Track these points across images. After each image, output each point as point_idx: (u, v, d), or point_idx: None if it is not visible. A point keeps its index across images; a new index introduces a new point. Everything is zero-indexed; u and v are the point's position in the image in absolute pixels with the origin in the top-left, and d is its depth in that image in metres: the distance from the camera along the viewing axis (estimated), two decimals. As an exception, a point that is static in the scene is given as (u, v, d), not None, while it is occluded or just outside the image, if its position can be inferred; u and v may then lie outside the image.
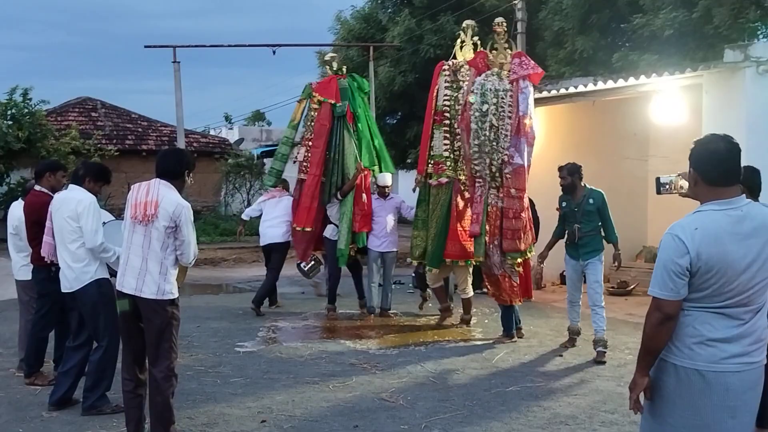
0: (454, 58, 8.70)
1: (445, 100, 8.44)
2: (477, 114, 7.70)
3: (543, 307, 9.74)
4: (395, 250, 9.33)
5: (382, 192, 9.15)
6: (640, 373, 2.91)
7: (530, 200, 10.09)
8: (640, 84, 9.17)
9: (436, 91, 8.53)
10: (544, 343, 7.73)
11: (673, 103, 9.92)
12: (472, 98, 7.80)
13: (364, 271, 9.65)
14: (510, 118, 7.60)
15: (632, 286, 11.13)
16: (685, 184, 3.07)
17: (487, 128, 7.63)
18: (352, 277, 9.70)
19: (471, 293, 8.63)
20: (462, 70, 8.44)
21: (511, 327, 7.89)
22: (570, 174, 7.27)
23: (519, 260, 7.68)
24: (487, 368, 6.75)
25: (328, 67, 10.02)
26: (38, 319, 6.26)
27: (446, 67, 8.55)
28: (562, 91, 10.16)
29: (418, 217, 8.67)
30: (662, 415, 2.90)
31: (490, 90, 7.66)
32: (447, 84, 8.45)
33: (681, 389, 2.84)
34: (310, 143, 9.41)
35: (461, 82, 8.36)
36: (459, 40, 8.75)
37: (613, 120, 11.70)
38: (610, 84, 9.45)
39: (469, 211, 8.14)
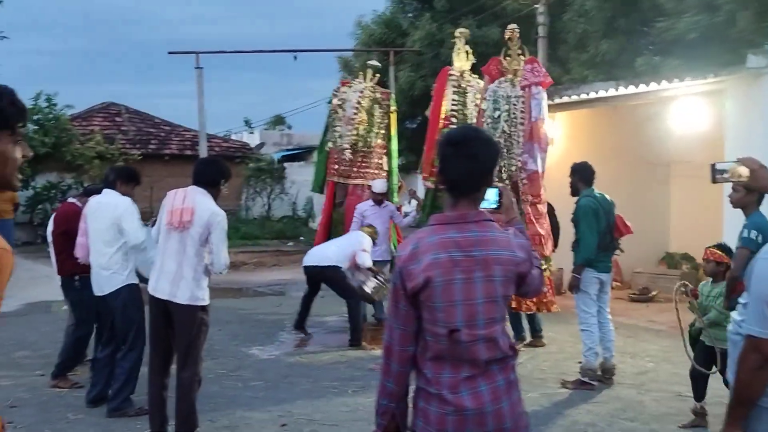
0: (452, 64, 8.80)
1: (453, 105, 8.55)
2: (489, 121, 7.71)
3: (563, 313, 9.67)
4: (390, 258, 8.81)
5: (377, 199, 8.72)
6: (732, 427, 2.45)
7: (550, 205, 10.12)
8: (662, 89, 9.11)
9: (444, 95, 8.61)
10: (563, 350, 7.70)
11: (695, 109, 9.86)
12: (484, 105, 7.82)
13: None
14: (522, 124, 7.58)
15: (654, 293, 11.04)
16: (744, 171, 2.67)
17: (499, 135, 7.62)
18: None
19: None
20: (465, 75, 8.60)
21: (517, 333, 7.74)
22: (571, 174, 6.57)
23: (546, 265, 7.41)
24: (507, 374, 6.72)
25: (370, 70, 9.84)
26: (77, 326, 6.38)
27: (452, 72, 8.63)
28: (583, 96, 10.12)
29: None
30: None
31: (503, 97, 7.67)
32: (454, 89, 8.57)
33: None
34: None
35: (466, 88, 8.56)
36: (456, 48, 8.79)
37: (635, 125, 11.62)
38: (632, 89, 9.40)
39: None
